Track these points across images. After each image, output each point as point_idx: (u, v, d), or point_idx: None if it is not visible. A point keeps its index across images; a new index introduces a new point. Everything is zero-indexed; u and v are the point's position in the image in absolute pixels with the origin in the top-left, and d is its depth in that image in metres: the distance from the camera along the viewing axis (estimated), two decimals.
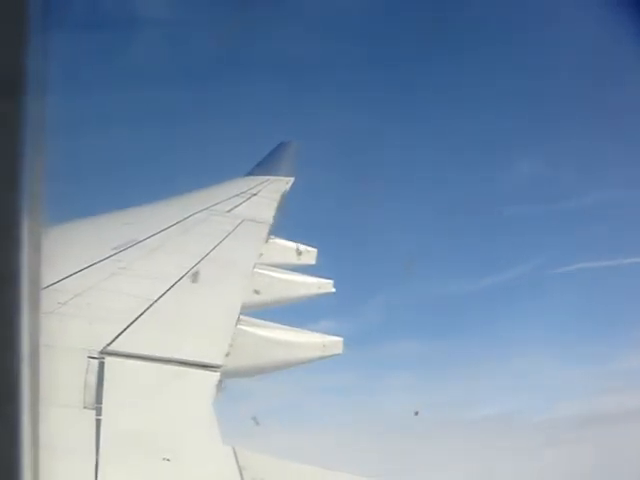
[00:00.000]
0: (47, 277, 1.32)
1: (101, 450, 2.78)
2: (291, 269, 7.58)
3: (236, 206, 9.67)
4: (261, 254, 7.51)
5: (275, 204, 10.52)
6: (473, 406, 15.21)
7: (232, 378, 4.30)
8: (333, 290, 7.41)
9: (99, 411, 3.12)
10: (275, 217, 9.63)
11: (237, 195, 10.44)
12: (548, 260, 17.91)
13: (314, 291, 7.30)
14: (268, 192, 11.30)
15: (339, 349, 5.77)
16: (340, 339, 5.83)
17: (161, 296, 5.02)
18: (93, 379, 3.42)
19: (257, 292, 6.26)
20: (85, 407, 3.15)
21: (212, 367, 3.96)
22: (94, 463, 2.68)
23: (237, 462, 2.96)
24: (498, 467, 11.99)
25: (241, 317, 5.07)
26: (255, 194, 10.89)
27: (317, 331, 5.97)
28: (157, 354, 3.96)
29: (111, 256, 5.75)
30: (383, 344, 15.25)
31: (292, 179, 12.48)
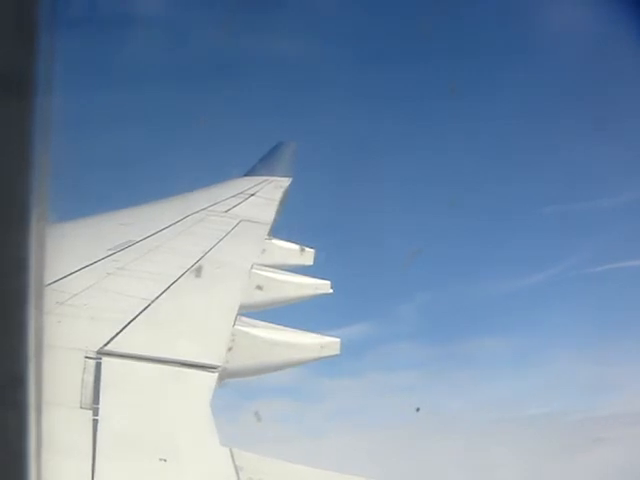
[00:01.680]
0: (47, 276, 1.33)
1: (98, 450, 2.78)
2: (289, 270, 7.58)
3: (234, 206, 9.67)
4: (259, 254, 7.51)
5: (273, 204, 10.52)
6: (520, 405, 15.35)
7: (229, 379, 4.29)
8: (331, 291, 7.41)
9: (96, 411, 3.11)
10: (273, 217, 9.63)
11: (235, 195, 10.44)
12: (582, 260, 17.93)
13: (312, 292, 7.29)
14: (266, 192, 11.30)
15: (336, 350, 5.76)
16: (338, 340, 5.82)
17: (158, 296, 5.02)
18: (90, 379, 3.41)
19: (255, 292, 6.26)
20: (82, 407, 3.15)
21: (209, 368, 3.96)
22: (91, 463, 2.68)
23: (234, 462, 2.96)
24: (545, 465, 12.11)
25: (239, 317, 5.07)
26: (253, 194, 10.90)
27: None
28: (154, 354, 3.95)
29: (108, 256, 5.74)
30: (425, 344, 15.42)
31: (290, 179, 12.48)
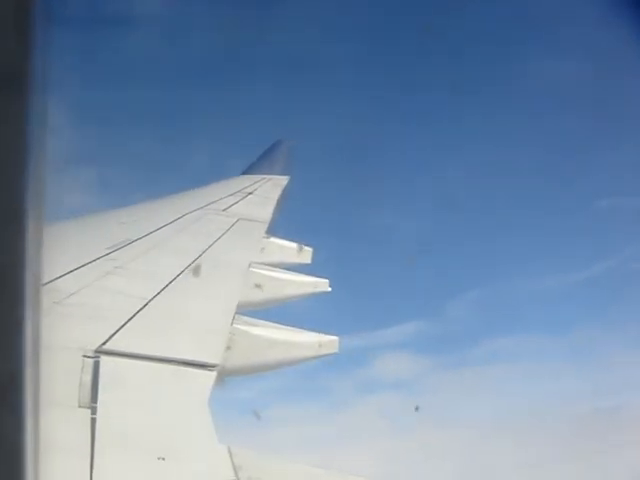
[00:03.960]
0: (44, 275, 1.33)
1: (96, 449, 2.77)
2: (287, 268, 7.57)
3: (232, 205, 9.66)
4: (257, 253, 7.50)
5: (271, 203, 10.51)
6: (585, 400, 15.44)
7: (227, 377, 4.29)
8: (329, 289, 7.41)
9: (94, 410, 3.11)
10: (271, 216, 9.63)
11: (233, 194, 10.43)
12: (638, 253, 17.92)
13: (310, 290, 7.29)
14: (264, 191, 11.29)
15: (335, 348, 5.76)
16: (336, 338, 5.82)
17: (156, 295, 5.01)
18: (88, 378, 3.41)
19: (253, 291, 6.25)
20: (80, 406, 3.15)
21: (207, 366, 3.95)
22: (89, 462, 2.68)
23: (232, 461, 2.96)
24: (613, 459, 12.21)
25: (236, 316, 5.07)
26: (251, 193, 10.89)
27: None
28: (152, 353, 3.95)
29: (106, 255, 5.73)
30: (482, 340, 15.54)
31: (288, 178, 12.48)
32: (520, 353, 16.24)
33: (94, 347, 3.77)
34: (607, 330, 16.46)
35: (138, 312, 4.55)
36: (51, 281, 4.50)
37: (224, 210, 9.22)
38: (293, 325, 5.77)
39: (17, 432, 1.22)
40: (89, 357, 3.64)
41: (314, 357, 5.66)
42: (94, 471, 2.63)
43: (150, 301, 4.84)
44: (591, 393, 15.62)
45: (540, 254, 17.60)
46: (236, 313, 5.11)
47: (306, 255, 8.46)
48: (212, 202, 9.44)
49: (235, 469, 2.91)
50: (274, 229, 8.92)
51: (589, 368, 15.99)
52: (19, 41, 1.16)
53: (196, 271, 5.90)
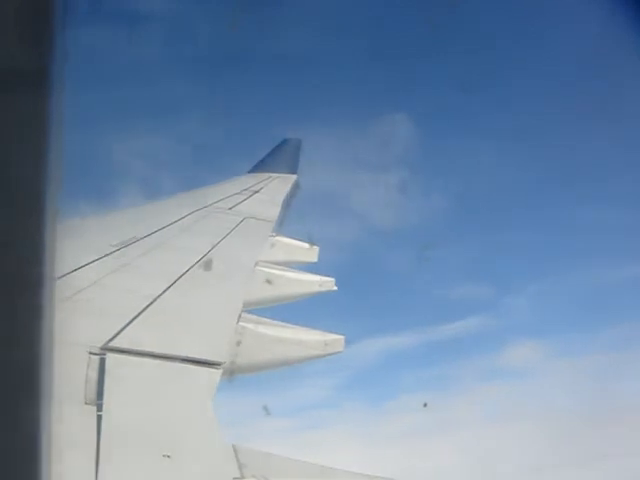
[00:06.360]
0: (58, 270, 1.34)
1: (101, 446, 2.78)
2: (293, 267, 7.58)
3: (238, 203, 9.67)
4: (263, 251, 7.51)
5: (277, 201, 10.51)
6: (626, 394, 15.41)
7: (233, 375, 4.30)
8: (335, 288, 7.40)
9: (100, 407, 3.12)
10: (277, 214, 9.63)
11: (239, 192, 10.44)
12: None
13: (316, 289, 7.29)
14: (270, 189, 11.30)
15: (340, 347, 5.75)
16: (342, 337, 5.81)
17: (162, 293, 5.02)
18: (94, 375, 3.42)
19: (259, 289, 6.26)
20: (86, 403, 3.16)
21: (213, 364, 3.96)
22: (95, 459, 2.69)
23: (237, 459, 2.97)
24: None
25: (242, 314, 5.07)
26: (257, 191, 10.89)
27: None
28: (158, 351, 3.96)
29: (113, 253, 5.75)
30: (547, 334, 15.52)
31: (295, 176, 12.47)
32: (589, 346, 16.24)
33: (100, 344, 3.78)
34: None
35: (144, 310, 4.57)
36: (59, 278, 4.51)
37: (230, 209, 9.23)
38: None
39: (29, 427, 1.23)
40: (95, 354, 3.66)
41: (320, 356, 5.66)
42: (100, 469, 2.64)
43: (156, 299, 4.86)
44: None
45: (605, 247, 17.49)
46: (242, 311, 5.12)
47: (312, 254, 8.46)
48: (219, 200, 9.45)
49: (240, 467, 2.91)
50: (280, 227, 8.93)
51: None
52: (38, 40, 1.16)
53: (202, 269, 5.91)
